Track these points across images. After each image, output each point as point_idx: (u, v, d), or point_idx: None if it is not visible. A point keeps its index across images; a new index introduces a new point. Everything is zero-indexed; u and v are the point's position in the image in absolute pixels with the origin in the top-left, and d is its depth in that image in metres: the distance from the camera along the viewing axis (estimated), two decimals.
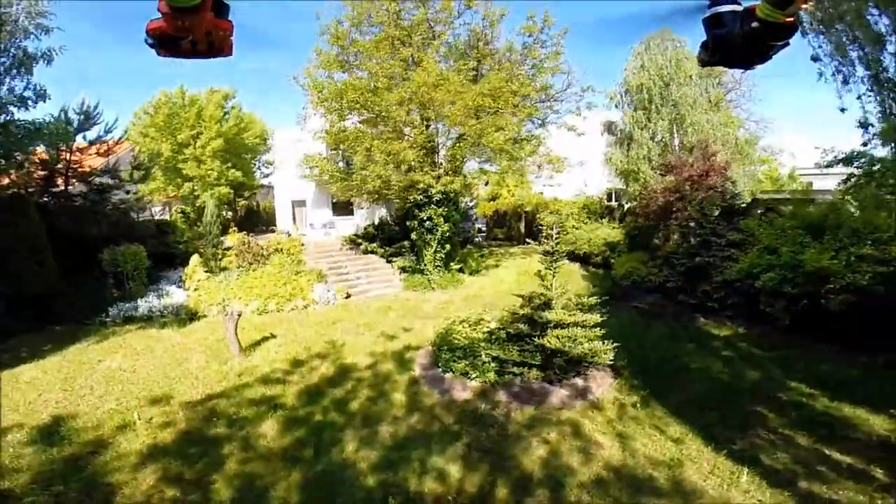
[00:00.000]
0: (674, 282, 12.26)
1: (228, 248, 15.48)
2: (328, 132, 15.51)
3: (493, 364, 7.99)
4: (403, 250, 16.02)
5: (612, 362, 7.95)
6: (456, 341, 8.30)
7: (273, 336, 11.03)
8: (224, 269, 14.81)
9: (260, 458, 6.13)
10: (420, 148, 14.29)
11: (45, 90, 12.93)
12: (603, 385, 8.05)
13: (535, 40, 16.45)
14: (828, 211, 10.20)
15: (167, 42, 1.39)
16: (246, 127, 23.03)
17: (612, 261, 15.17)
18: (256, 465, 5.97)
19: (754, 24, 1.36)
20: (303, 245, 16.40)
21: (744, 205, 12.83)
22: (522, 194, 20.69)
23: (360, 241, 16.80)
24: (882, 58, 7.49)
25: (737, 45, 1.52)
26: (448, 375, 8.30)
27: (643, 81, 17.58)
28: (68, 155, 15.29)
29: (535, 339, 7.62)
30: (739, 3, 1.52)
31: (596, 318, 7.90)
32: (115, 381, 8.84)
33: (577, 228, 17.70)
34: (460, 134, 14.53)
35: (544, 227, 7.83)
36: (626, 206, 17.30)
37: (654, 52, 17.78)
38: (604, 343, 7.85)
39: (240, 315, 9.72)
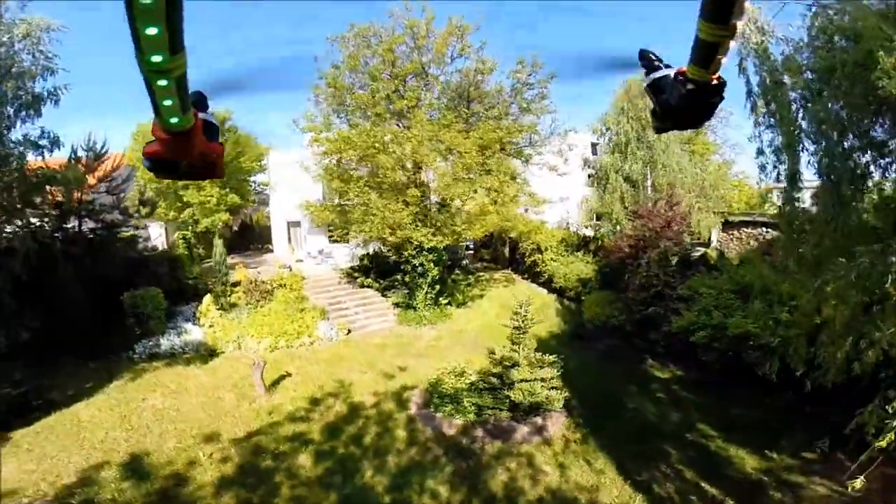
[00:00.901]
0: (631, 327, 15.64)
1: (236, 284, 18.36)
2: (328, 174, 18.37)
3: (472, 407, 11.25)
4: (396, 283, 19.11)
5: (563, 408, 11.24)
6: (444, 390, 11.53)
7: (289, 374, 14.08)
8: (233, 304, 17.71)
9: (303, 485, 9.29)
10: (414, 205, 17.18)
11: (57, 137, 15.29)
12: (557, 424, 11.35)
13: (522, 83, 19.32)
14: (756, 282, 13.34)
15: (164, 166, 1.53)
16: (243, 151, 25.62)
17: (584, 298, 18.49)
18: (302, 490, 9.13)
19: (689, 87, 1.49)
20: (304, 279, 19.37)
21: (695, 256, 16.14)
22: (509, 215, 23.50)
23: (356, 274, 19.84)
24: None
25: (680, 108, 1.69)
26: (438, 415, 11.52)
27: (622, 125, 20.66)
28: (80, 195, 17.81)
29: (504, 391, 10.88)
30: (670, 66, 1.68)
31: (553, 372, 11.17)
32: (166, 419, 11.81)
33: (554, 261, 20.95)
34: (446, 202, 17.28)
35: (520, 306, 10.99)
36: (599, 241, 20.52)
37: (634, 93, 20.76)
38: (557, 392, 11.15)
39: (265, 364, 12.74)
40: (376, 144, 16.54)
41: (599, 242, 20.34)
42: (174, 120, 1.25)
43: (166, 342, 15.94)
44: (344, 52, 18.48)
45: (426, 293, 17.86)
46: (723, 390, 13.02)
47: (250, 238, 31.40)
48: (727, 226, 25.26)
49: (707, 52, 1.30)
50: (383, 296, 19.26)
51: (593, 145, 26.50)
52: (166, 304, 16.87)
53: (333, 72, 18.39)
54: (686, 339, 13.93)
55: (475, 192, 17.10)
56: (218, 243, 17.72)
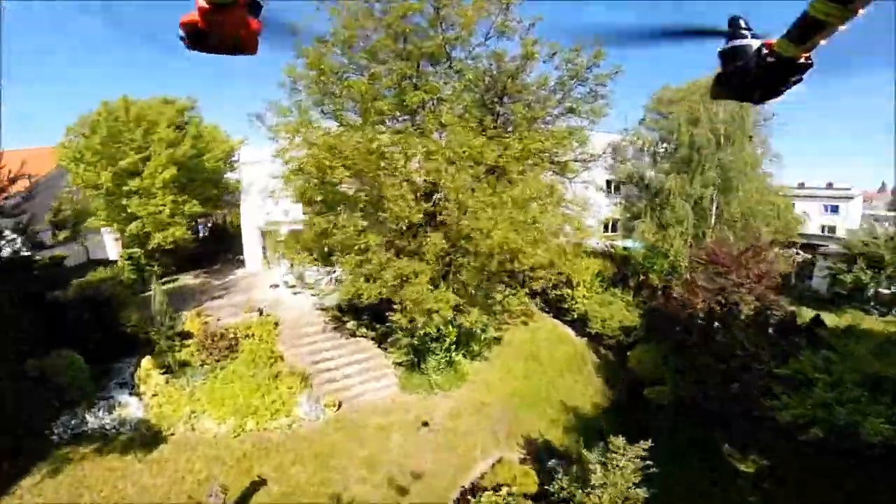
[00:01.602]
0: (703, 399, 13.37)
1: (187, 336, 15.17)
2: (303, 199, 14.87)
3: None
4: (396, 328, 16.13)
5: None
6: None
7: (263, 482, 11.25)
8: (184, 363, 14.58)
9: None
10: (434, 261, 13.57)
11: None
12: None
13: (573, 76, 15.24)
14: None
15: (198, 37, 1.61)
16: (207, 147, 21.78)
17: (629, 353, 16.13)
18: None
19: (770, 60, 1.58)
20: (277, 324, 16.22)
21: (787, 317, 13.72)
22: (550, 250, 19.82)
23: (345, 318, 16.80)
24: None
25: (752, 80, 1.78)
26: None
27: (696, 138, 17.71)
28: None
29: None
30: (757, 37, 1.76)
31: None
32: None
33: (587, 298, 18.39)
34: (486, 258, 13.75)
35: None
36: (641, 277, 18.06)
37: (710, 103, 17.65)
38: None
39: (226, 494, 9.83)
40: (379, 161, 13.07)
41: (641, 278, 17.84)
42: None
43: (94, 419, 12.99)
44: (336, 20, 14.12)
45: (440, 359, 14.97)
46: (821, 486, 11.10)
47: (223, 245, 27.88)
48: None
49: (810, 30, 1.32)
50: (380, 346, 16.34)
51: (614, 149, 23.96)
52: (89, 371, 13.74)
53: (317, 47, 14.11)
54: (777, 425, 11.89)
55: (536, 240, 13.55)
56: (157, 289, 14.42)
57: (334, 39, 14.41)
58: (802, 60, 1.58)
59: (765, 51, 1.67)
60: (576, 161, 16.41)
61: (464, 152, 12.92)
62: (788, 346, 12.53)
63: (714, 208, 17.57)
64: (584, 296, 18.36)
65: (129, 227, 19.20)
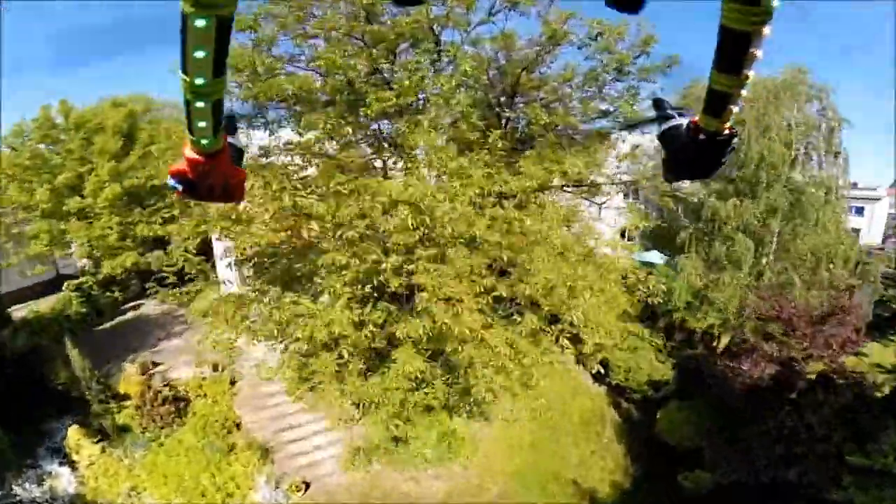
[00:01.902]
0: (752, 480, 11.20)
1: (125, 399, 13.29)
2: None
3: None
4: None
5: None
6: None
7: None
8: (124, 428, 12.75)
9: None
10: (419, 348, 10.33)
11: None
12: None
13: (609, 67, 11.57)
14: None
15: (189, 186, 1.57)
16: (164, 156, 19.46)
17: (658, 413, 13.95)
18: None
19: (701, 137, 1.52)
20: (234, 383, 14.05)
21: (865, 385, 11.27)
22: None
23: None
24: None
25: (692, 158, 1.65)
26: None
27: (764, 153, 14.66)
28: None
29: None
30: (684, 115, 1.67)
31: None
32: None
33: (609, 339, 15.94)
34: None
35: None
36: (675, 317, 15.54)
37: (785, 105, 14.64)
38: None
39: None
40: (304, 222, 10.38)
41: (675, 318, 15.31)
42: (205, 142, 1.34)
43: (23, 491, 11.78)
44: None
45: (429, 436, 12.77)
46: None
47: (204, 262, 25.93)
48: None
49: (719, 103, 1.34)
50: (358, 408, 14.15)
51: (633, 147, 21.23)
52: (7, 440, 12.24)
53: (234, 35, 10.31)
54: None
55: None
56: (73, 354, 12.65)
57: (259, 15, 10.20)
58: (727, 132, 1.44)
59: (692, 129, 1.51)
60: (613, 184, 13.45)
61: (451, 204, 8.99)
62: (867, 424, 10.19)
63: (775, 240, 14.70)
64: (604, 335, 15.93)
65: (76, 253, 17.12)
